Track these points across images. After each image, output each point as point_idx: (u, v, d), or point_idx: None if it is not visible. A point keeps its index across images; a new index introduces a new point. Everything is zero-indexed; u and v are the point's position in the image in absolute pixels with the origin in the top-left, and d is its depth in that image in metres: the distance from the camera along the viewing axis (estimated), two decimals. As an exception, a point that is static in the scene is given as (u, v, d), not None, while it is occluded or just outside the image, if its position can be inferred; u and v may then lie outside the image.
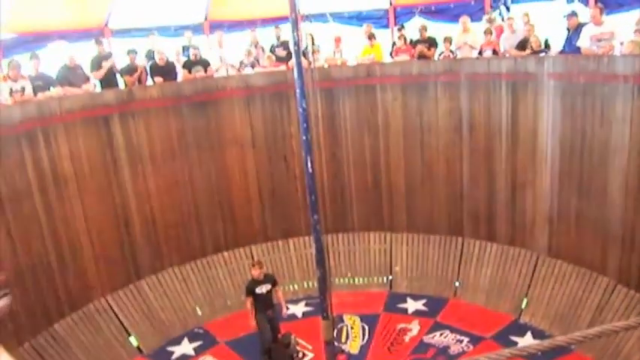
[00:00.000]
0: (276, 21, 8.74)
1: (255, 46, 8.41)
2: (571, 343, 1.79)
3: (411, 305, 7.32)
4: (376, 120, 7.86)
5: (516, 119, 6.80)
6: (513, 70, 6.74)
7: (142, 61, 7.59)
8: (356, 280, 8.01)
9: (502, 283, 7.14)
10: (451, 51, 7.69)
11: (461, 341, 6.42)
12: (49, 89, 6.49)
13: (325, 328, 4.50)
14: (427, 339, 6.53)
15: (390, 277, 7.93)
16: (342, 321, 6.93)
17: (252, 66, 8.04)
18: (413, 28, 8.59)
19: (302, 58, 4.13)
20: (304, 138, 4.18)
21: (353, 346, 6.54)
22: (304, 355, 6.31)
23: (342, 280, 7.95)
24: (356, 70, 7.91)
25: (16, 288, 5.57)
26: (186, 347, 6.74)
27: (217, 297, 7.57)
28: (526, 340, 6.30)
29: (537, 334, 6.38)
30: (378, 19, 9.51)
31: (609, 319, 5.83)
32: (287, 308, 6.26)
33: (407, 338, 6.58)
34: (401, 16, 9.46)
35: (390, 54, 8.25)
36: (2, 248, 5.48)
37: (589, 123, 5.98)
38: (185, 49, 8.12)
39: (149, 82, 7.50)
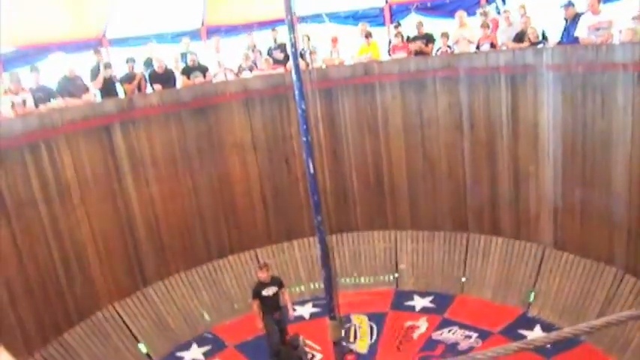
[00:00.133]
0: (273, 24, 8.76)
1: (253, 50, 8.43)
2: (578, 334, 1.78)
3: (418, 302, 7.31)
4: (376, 118, 7.86)
5: (517, 112, 6.78)
6: (512, 62, 6.72)
7: (140, 69, 7.62)
8: (362, 279, 8.00)
9: (509, 277, 7.11)
10: (449, 46, 7.68)
11: (470, 337, 6.39)
12: (49, 101, 6.52)
13: (333, 329, 4.49)
14: (436, 336, 6.51)
15: (396, 275, 7.92)
16: (350, 321, 6.91)
17: (251, 69, 8.06)
18: (409, 25, 8.60)
19: (299, 60, 4.13)
20: (305, 139, 4.17)
21: (361, 346, 6.52)
22: (313, 356, 6.30)
23: (348, 279, 7.94)
24: (354, 69, 7.92)
25: (24, 298, 5.61)
26: (196, 352, 6.75)
27: (224, 301, 7.58)
28: (535, 334, 6.26)
29: (546, 328, 6.34)
30: (374, 17, 9.54)
31: (619, 309, 5.78)
32: (294, 310, 6.24)
33: (415, 336, 6.56)
34: (397, 13, 9.49)
35: (388, 52, 8.25)
36: (9, 259, 5.52)
37: (590, 113, 5.95)
38: (183, 55, 8.15)
39: (149, 90, 7.53)
